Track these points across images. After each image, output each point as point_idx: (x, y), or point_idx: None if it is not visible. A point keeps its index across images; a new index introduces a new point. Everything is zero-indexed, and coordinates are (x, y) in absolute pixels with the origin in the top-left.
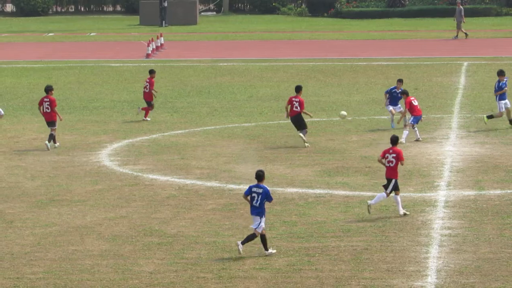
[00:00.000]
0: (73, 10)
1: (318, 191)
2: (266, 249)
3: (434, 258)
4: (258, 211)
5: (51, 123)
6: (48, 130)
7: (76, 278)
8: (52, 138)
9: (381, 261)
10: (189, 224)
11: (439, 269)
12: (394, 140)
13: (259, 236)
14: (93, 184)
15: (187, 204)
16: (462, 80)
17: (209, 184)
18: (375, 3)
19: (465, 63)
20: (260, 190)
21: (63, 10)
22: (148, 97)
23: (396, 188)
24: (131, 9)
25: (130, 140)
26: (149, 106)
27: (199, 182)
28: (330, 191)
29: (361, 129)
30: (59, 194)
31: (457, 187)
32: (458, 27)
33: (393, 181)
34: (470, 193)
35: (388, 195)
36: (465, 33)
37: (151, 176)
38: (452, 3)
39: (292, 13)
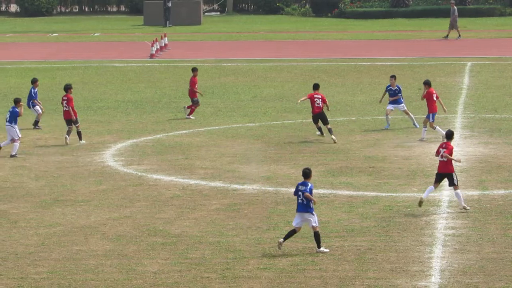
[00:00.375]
0: (77, 10)
1: (322, 191)
2: (285, 238)
3: (437, 258)
4: (303, 208)
5: (69, 121)
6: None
7: (80, 278)
8: (79, 135)
9: (385, 261)
10: (193, 224)
11: (442, 269)
12: (449, 135)
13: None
14: (97, 184)
15: (191, 204)
16: (466, 80)
17: (213, 184)
18: (379, 3)
19: (469, 63)
20: (304, 188)
21: (67, 10)
22: (191, 94)
23: (453, 183)
24: (135, 9)
25: (134, 140)
26: (193, 103)
27: (203, 182)
28: (334, 191)
29: (365, 129)
30: (63, 194)
31: (461, 187)
32: (455, 27)
33: (453, 174)
34: (474, 193)
35: (457, 187)
36: (447, 35)
37: (155, 176)
38: (456, 4)
39: (296, 13)
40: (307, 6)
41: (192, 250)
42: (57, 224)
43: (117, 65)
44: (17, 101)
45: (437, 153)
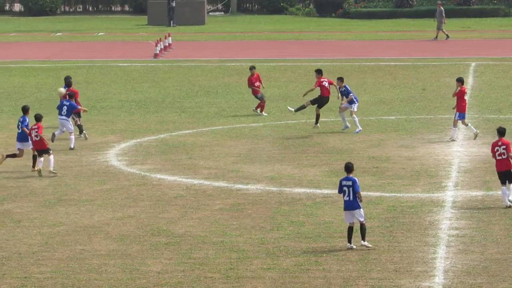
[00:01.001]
0: (81, 9)
1: (325, 191)
2: (349, 241)
3: (441, 259)
4: (351, 204)
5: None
6: None
7: (84, 277)
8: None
9: (389, 261)
10: (196, 224)
11: (446, 270)
12: (502, 132)
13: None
14: (100, 183)
15: (194, 204)
16: (470, 80)
17: (216, 184)
18: (383, 3)
19: (473, 64)
20: (350, 182)
21: (71, 9)
22: (253, 92)
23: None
24: (139, 9)
25: (138, 140)
26: (258, 99)
27: (206, 182)
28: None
29: (369, 129)
30: (66, 193)
31: (465, 187)
32: (439, 28)
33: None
34: (478, 193)
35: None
36: (447, 34)
37: (158, 176)
38: (460, 4)
39: (300, 13)
40: (311, 6)
41: (196, 250)
42: (61, 224)
43: (121, 64)
44: (71, 96)
45: (492, 150)
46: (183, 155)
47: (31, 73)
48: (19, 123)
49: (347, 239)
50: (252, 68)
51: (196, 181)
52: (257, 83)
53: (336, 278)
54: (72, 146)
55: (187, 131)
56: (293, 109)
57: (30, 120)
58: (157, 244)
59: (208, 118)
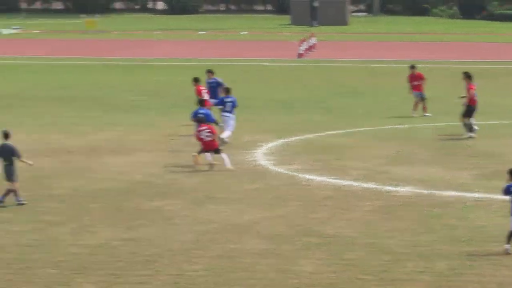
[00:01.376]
0: (224, 8)
1: (477, 195)
2: (509, 241)
3: None
4: None
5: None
6: None
7: (236, 276)
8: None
9: None
10: (346, 225)
11: None
12: None
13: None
14: (249, 182)
15: (344, 205)
16: None
17: (365, 185)
18: None
19: None
20: None
21: (213, 8)
22: (416, 89)
23: None
24: (281, 9)
25: (285, 140)
26: (419, 99)
27: (355, 183)
28: (490, 195)
29: None
30: (216, 191)
31: None
32: None
33: None
34: None
35: None
36: None
37: (307, 176)
38: None
39: (444, 14)
40: (455, 8)
41: (347, 251)
42: (211, 222)
43: (265, 64)
44: (229, 91)
45: None
46: (330, 155)
47: (176, 71)
48: (204, 116)
49: (506, 241)
50: (411, 67)
51: (345, 182)
52: (415, 82)
53: (491, 283)
54: (225, 137)
55: (334, 132)
56: (470, 134)
57: None
58: (308, 244)
59: (355, 119)
